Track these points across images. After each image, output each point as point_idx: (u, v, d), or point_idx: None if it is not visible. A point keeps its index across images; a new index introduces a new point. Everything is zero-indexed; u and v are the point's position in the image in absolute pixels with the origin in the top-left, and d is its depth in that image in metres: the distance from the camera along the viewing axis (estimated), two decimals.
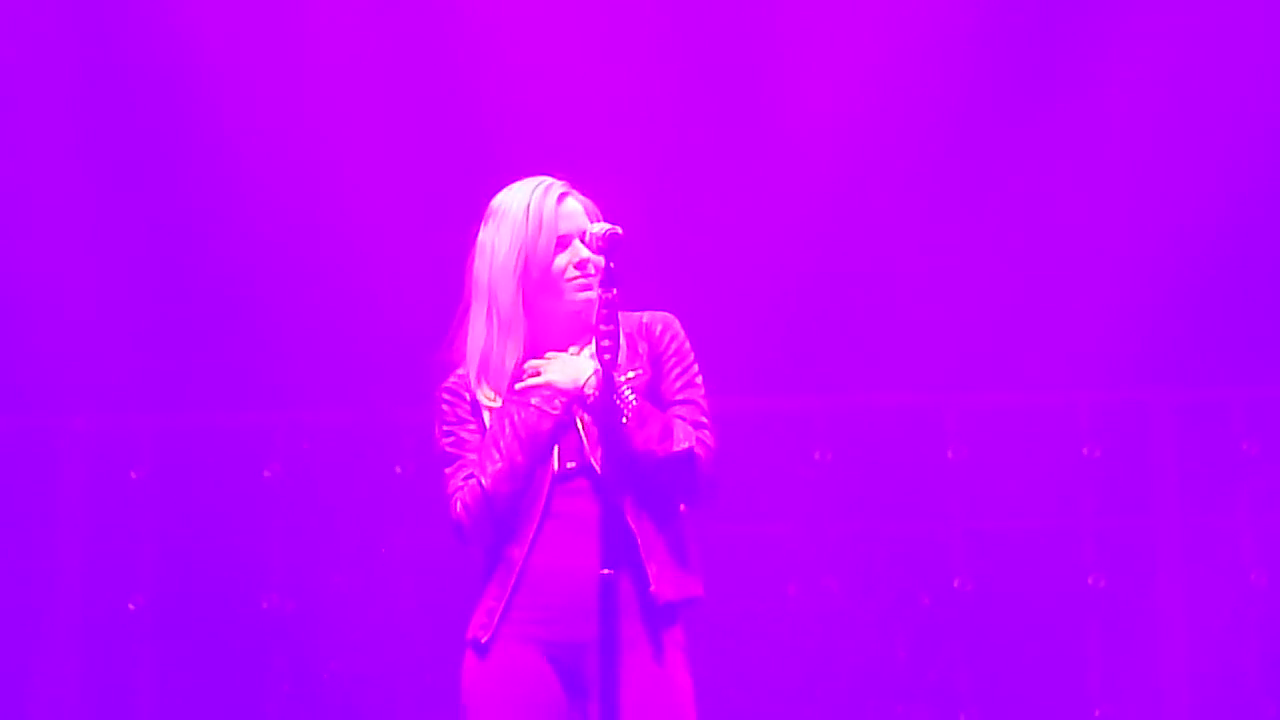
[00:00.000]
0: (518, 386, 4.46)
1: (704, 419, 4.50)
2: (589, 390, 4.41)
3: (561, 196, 4.51)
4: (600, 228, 4.35)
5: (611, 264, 4.29)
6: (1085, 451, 7.49)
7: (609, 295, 4.24)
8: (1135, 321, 7.41)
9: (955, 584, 7.49)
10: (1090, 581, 7.42)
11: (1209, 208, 7.36)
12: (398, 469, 7.57)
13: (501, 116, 7.44)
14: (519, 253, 4.45)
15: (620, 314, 4.49)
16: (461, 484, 4.45)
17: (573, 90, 7.43)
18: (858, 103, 7.48)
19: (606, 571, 4.13)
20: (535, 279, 4.46)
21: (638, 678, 4.35)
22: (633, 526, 4.38)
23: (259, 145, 7.52)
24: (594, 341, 4.32)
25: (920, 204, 7.53)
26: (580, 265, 4.47)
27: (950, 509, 7.55)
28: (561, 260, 4.45)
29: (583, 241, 4.46)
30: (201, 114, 7.49)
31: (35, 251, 7.45)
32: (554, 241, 4.46)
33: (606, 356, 4.22)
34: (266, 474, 7.54)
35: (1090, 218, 7.49)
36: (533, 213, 4.46)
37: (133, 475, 7.53)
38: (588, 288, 4.45)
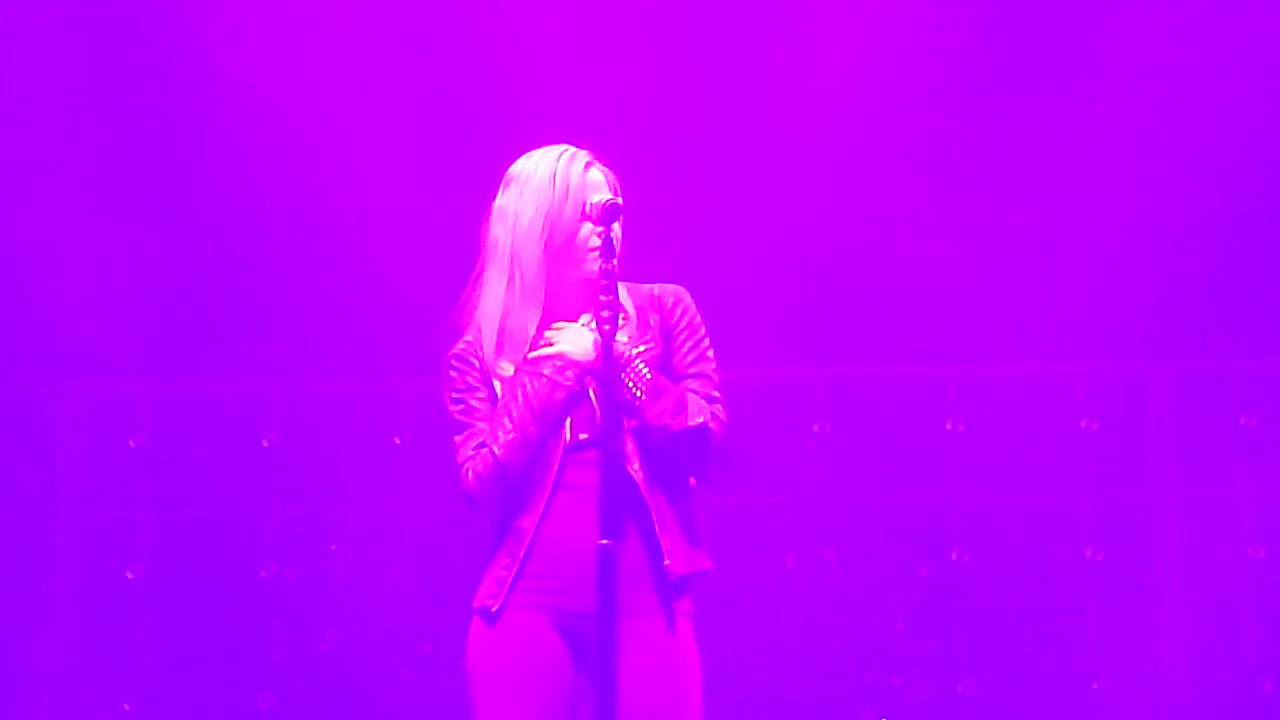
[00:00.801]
0: (529, 356, 4.47)
1: (715, 393, 4.54)
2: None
3: (587, 165, 4.52)
4: (600, 198, 4.39)
5: (611, 235, 4.35)
6: (1083, 424, 7.54)
7: (609, 266, 4.29)
8: (1134, 294, 7.43)
9: (953, 556, 7.56)
10: (1088, 554, 7.49)
11: (1209, 180, 7.37)
12: (397, 440, 7.58)
13: (505, 83, 7.48)
14: (544, 219, 4.46)
15: (631, 286, 4.61)
16: (473, 453, 4.46)
17: (576, 60, 7.43)
18: (861, 77, 7.48)
19: (605, 542, 4.18)
20: (558, 246, 4.47)
21: (649, 649, 4.39)
22: (647, 499, 4.41)
23: (258, 114, 7.50)
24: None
25: (921, 177, 7.55)
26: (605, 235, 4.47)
27: (949, 481, 7.57)
28: (586, 230, 4.46)
29: (583, 214, 4.47)
30: (198, 85, 7.47)
31: (34, 218, 7.44)
32: (579, 210, 4.47)
33: (606, 327, 4.25)
34: (265, 443, 7.59)
35: (1090, 190, 7.49)
36: (559, 180, 4.47)
37: (131, 444, 7.57)
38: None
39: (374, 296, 7.53)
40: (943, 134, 7.54)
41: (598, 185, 4.51)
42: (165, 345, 7.58)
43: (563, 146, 4.58)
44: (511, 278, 4.49)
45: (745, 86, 7.55)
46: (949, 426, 7.55)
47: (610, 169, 4.60)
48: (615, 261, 4.33)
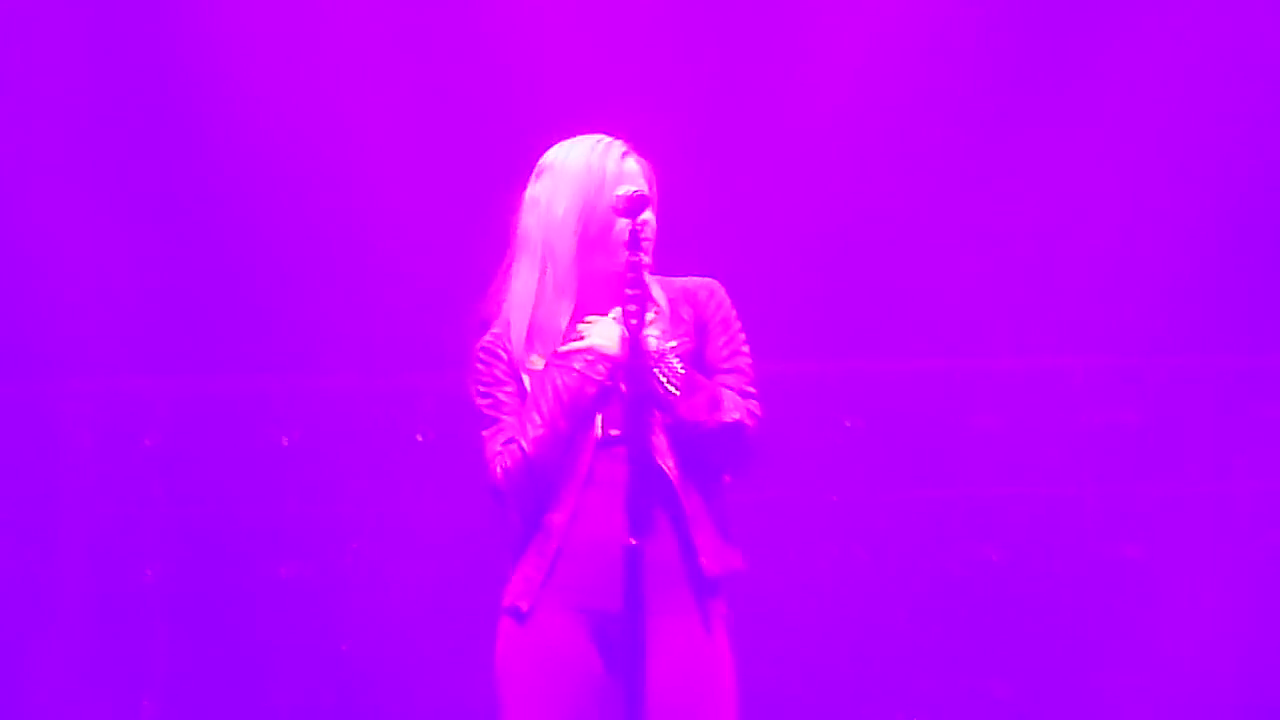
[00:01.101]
0: (560, 350, 4.41)
1: (750, 388, 4.49)
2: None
3: (624, 154, 4.47)
4: (626, 189, 4.30)
5: (638, 227, 4.27)
6: (1121, 418, 7.49)
7: (635, 258, 4.23)
8: (1176, 284, 7.36)
9: (987, 554, 7.49)
10: (1125, 551, 7.42)
11: (1256, 169, 7.32)
12: (419, 437, 7.52)
13: (523, 75, 7.41)
14: (579, 210, 4.41)
15: (664, 280, 4.54)
16: (501, 448, 4.41)
17: (611, 50, 7.36)
18: (889, 71, 7.40)
19: (632, 542, 4.13)
20: (592, 238, 4.41)
21: (683, 650, 4.33)
22: (680, 496, 4.36)
23: (271, 106, 7.41)
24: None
25: (952, 167, 7.51)
26: (641, 228, 4.37)
27: (983, 477, 7.51)
28: (623, 222, 4.33)
29: (610, 204, 4.33)
30: (206, 79, 7.38)
31: (45, 212, 7.36)
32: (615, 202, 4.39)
33: (633, 321, 4.20)
34: (285, 441, 7.52)
35: (1134, 177, 7.41)
36: (594, 169, 4.41)
37: (146, 443, 7.47)
38: (644, 252, 4.36)
39: (392, 289, 7.46)
40: (979, 125, 7.45)
41: (633, 176, 4.44)
42: (179, 340, 7.49)
43: (598, 136, 4.52)
44: (543, 269, 4.44)
45: (778, 79, 7.47)
46: (982, 421, 7.48)
47: (645, 160, 4.55)
48: (642, 254, 4.27)
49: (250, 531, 7.50)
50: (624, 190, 4.30)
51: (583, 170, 4.42)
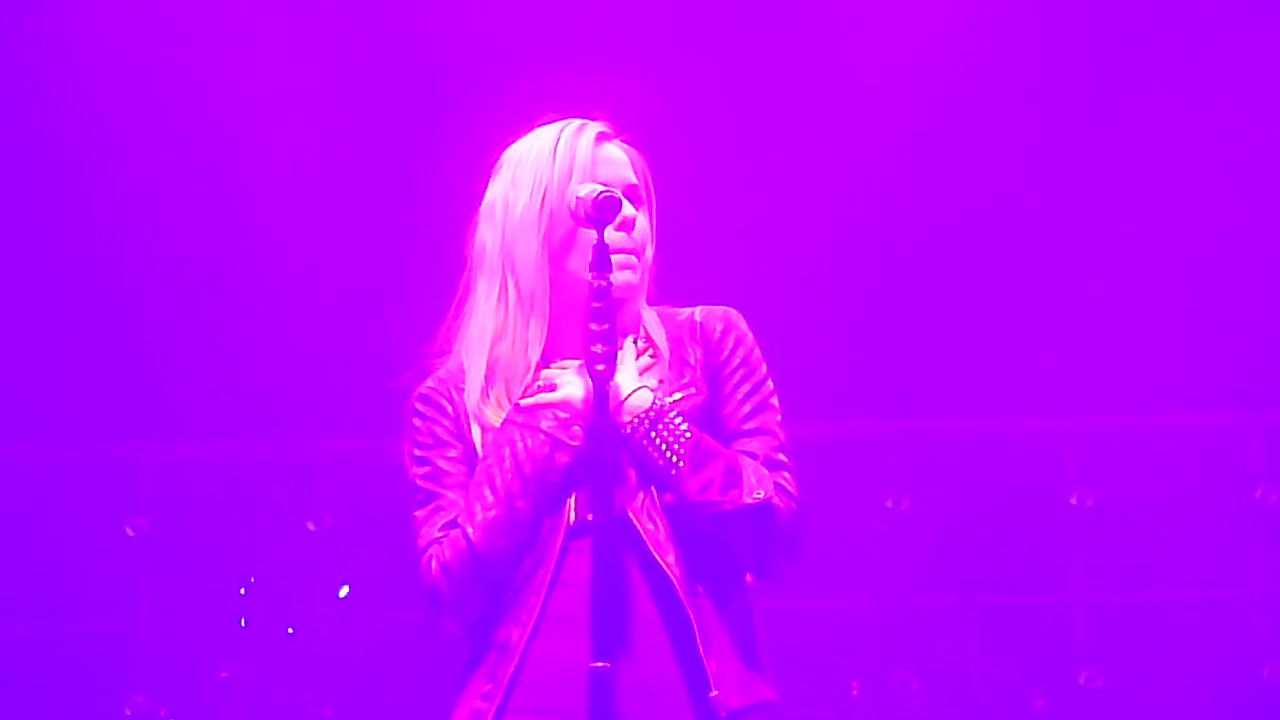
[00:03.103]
0: (523, 402, 4.24)
1: (782, 456, 4.32)
2: (628, 415, 4.20)
3: (601, 137, 4.31)
4: (589, 190, 4.14)
5: (606, 240, 4.13)
6: (1259, 494, 7.48)
7: (601, 283, 4.12)
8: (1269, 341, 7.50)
9: (1081, 679, 7.46)
10: (1265, 674, 7.40)
11: None
12: (311, 525, 7.73)
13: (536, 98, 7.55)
14: (542, 202, 4.27)
15: (664, 312, 4.37)
16: (440, 535, 4.23)
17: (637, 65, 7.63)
18: (954, 103, 7.79)
19: (599, 665, 4.07)
20: (560, 239, 4.27)
21: None
22: (686, 606, 4.19)
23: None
24: (625, 343, 4.21)
25: (1023, 188, 7.61)
26: (625, 227, 4.25)
27: (1073, 576, 7.52)
28: (588, 233, 4.17)
29: (570, 209, 4.21)
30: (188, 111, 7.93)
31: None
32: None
33: (599, 367, 4.10)
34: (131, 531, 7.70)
35: (1231, 226, 7.69)
36: (562, 152, 4.29)
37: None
38: (623, 266, 4.22)
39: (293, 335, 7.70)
40: (1055, 150, 7.82)
41: (615, 163, 4.30)
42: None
43: (571, 120, 4.37)
44: (503, 287, 4.30)
45: (820, 84, 7.77)
46: (1075, 500, 7.47)
47: (637, 148, 4.39)
48: (609, 276, 4.12)
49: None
50: (586, 192, 4.14)
51: (547, 153, 4.29)
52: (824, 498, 7.38)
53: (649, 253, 4.32)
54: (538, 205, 4.30)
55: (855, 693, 7.48)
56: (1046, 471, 7.57)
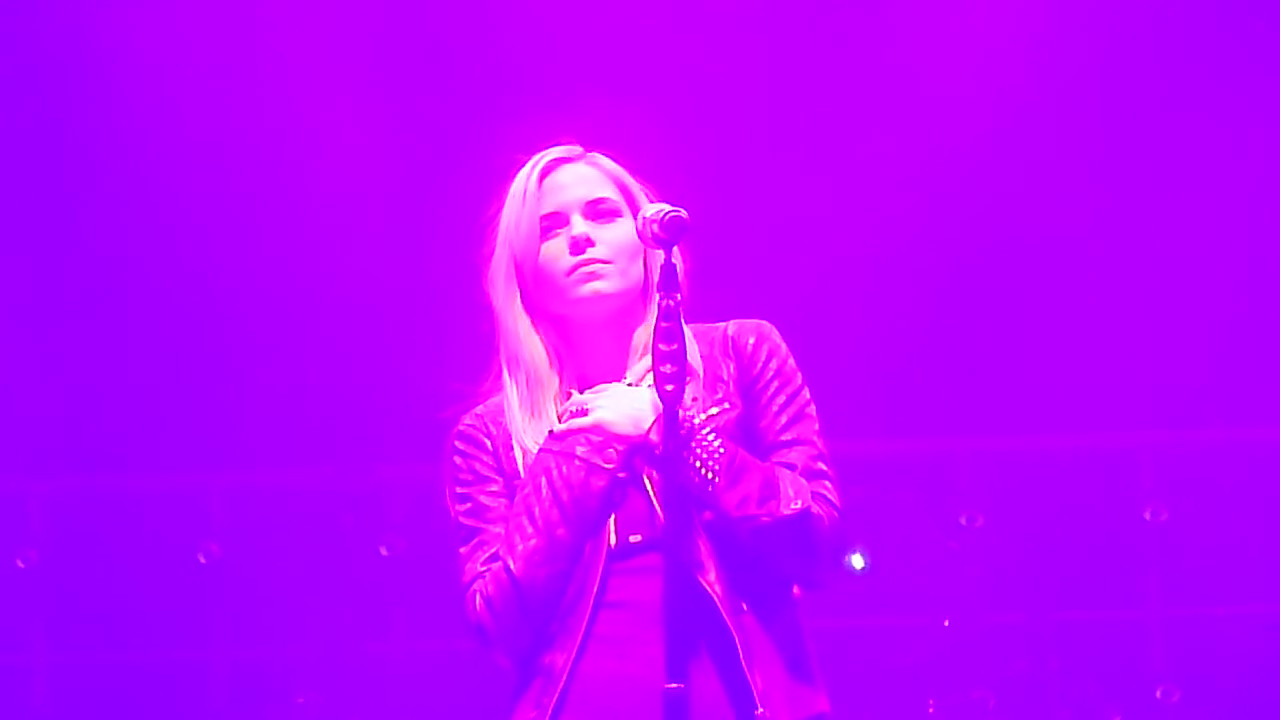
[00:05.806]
0: (557, 428, 4.25)
1: (822, 465, 4.26)
2: (656, 435, 4.15)
3: (553, 164, 4.35)
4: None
5: (675, 260, 4.06)
6: None
7: (670, 303, 4.04)
8: None
9: (1158, 694, 7.41)
10: None
11: None
12: (383, 550, 7.80)
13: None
14: (506, 250, 4.36)
15: (698, 328, 4.36)
16: (482, 570, 4.24)
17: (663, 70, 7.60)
18: (1010, 100, 7.74)
19: (674, 685, 3.99)
20: (531, 281, 4.32)
21: None
22: (729, 623, 4.16)
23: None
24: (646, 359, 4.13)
25: (1102, 208, 7.58)
26: (576, 247, 4.27)
27: (1148, 591, 7.48)
28: (552, 248, 4.28)
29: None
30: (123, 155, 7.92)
31: None
32: (537, 227, 4.29)
33: (669, 387, 4.02)
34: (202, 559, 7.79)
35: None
36: (513, 196, 4.35)
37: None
38: (592, 277, 4.26)
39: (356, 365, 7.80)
40: (1134, 151, 7.78)
41: (560, 188, 4.37)
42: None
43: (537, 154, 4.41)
44: (501, 336, 4.38)
45: (874, 88, 7.77)
46: (1149, 515, 7.42)
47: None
48: (678, 296, 4.04)
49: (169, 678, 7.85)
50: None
51: (510, 204, 4.37)
52: (898, 515, 7.39)
53: (633, 266, 4.32)
54: (506, 253, 4.40)
55: (932, 710, 7.43)
56: (1121, 487, 7.52)
